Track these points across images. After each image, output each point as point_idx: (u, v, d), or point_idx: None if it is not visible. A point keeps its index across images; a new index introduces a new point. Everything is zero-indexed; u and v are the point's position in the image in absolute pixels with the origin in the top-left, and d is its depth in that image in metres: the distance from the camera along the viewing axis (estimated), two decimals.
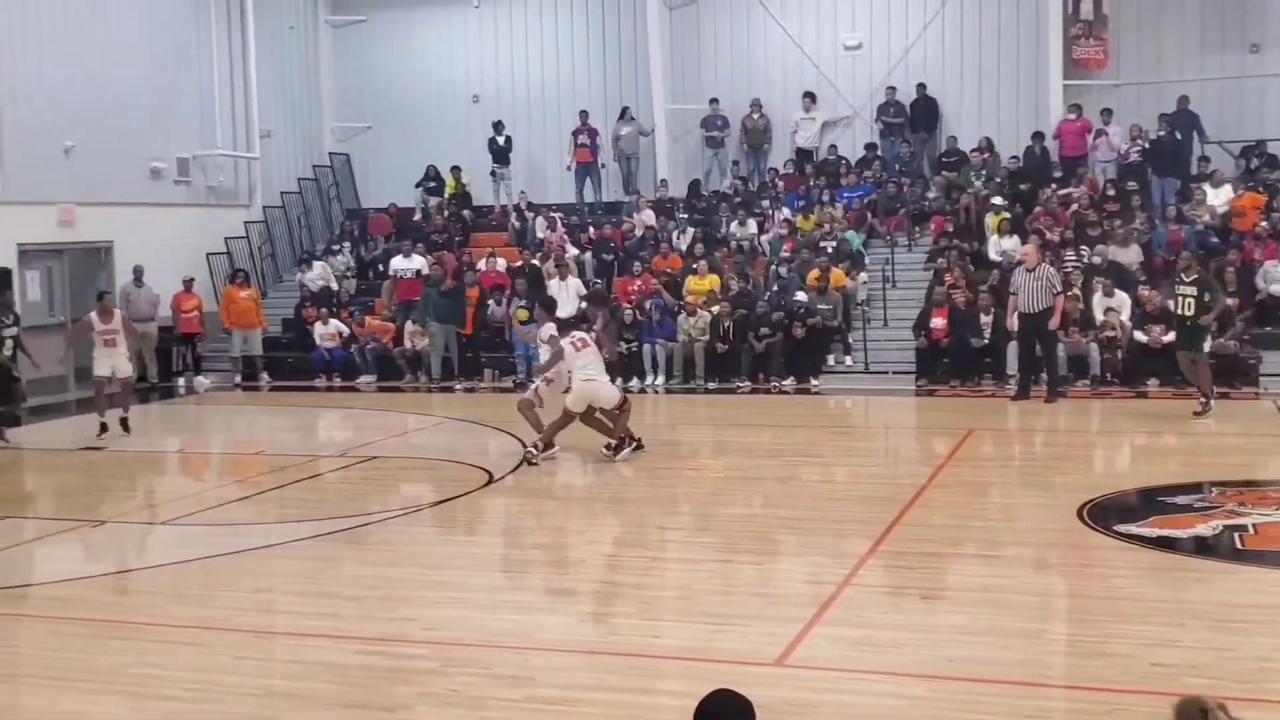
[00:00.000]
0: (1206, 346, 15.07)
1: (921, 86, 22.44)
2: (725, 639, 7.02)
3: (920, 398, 17.24)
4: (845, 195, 21.79)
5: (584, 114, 23.55)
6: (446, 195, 24.33)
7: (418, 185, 24.55)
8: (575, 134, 23.58)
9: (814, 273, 18.91)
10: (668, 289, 19.42)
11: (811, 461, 13.19)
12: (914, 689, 6.14)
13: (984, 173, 21.23)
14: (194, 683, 6.50)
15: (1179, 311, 14.89)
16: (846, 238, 20.40)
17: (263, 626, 7.62)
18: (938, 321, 17.68)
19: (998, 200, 20.58)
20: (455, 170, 24.35)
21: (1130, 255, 18.53)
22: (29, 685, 6.73)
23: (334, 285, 22.35)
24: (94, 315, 15.46)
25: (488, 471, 12.28)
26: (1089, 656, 6.67)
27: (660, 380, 18.60)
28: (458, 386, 19.22)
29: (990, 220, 20.28)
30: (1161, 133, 20.64)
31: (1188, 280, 14.81)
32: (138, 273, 20.11)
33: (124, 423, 15.21)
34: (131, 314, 20.13)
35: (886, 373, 18.29)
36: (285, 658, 6.96)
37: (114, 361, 15.19)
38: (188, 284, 20.78)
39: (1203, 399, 14.49)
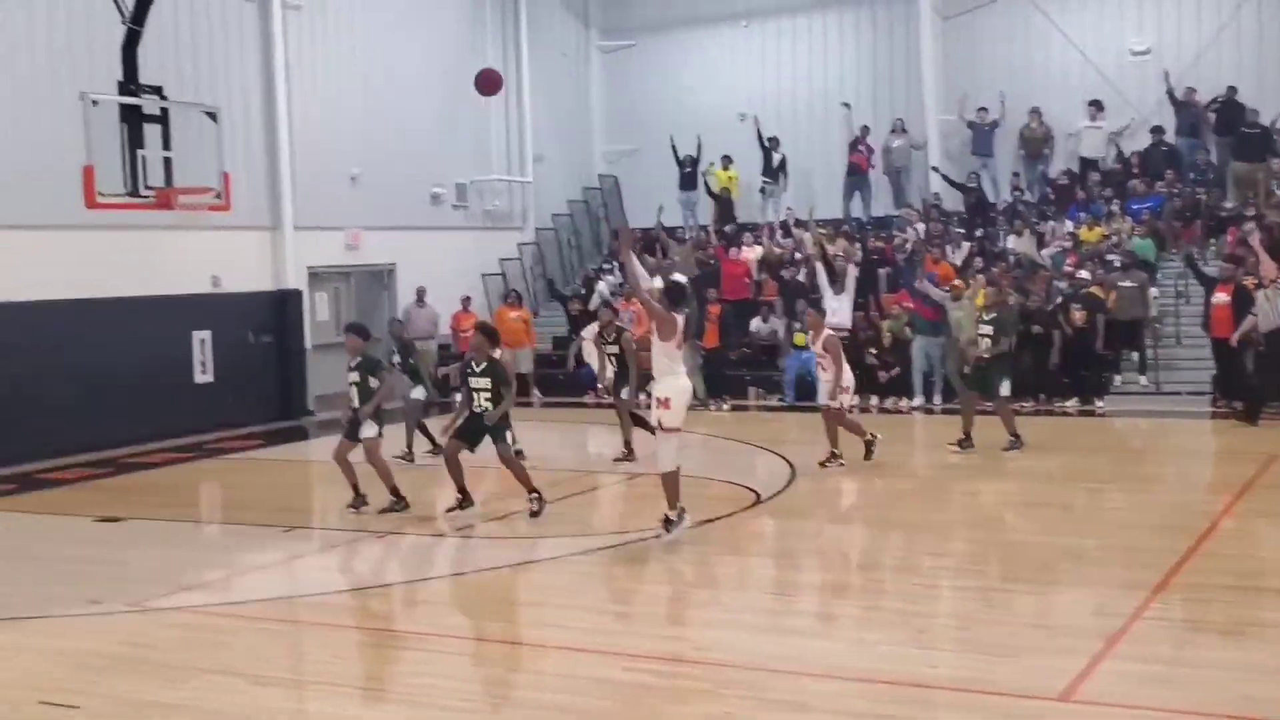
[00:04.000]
0: (1005, 388, 13.88)
1: (1233, 89, 21.10)
2: (1006, 671, 6.69)
3: (1216, 420, 16.23)
4: (1134, 205, 20.74)
5: (865, 129, 23.37)
6: (718, 189, 23.94)
7: (681, 174, 24.12)
8: (853, 144, 23.35)
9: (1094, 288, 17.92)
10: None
11: (1098, 487, 12.52)
12: None
13: None
14: (468, 693, 6.64)
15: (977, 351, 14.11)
16: (1134, 247, 19.33)
17: (535, 640, 7.72)
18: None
19: None
20: (726, 160, 23.95)
21: None
22: (313, 691, 7.00)
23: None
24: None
25: (755, 491, 12.18)
26: None
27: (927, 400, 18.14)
28: (711, 405, 19.05)
29: None
30: None
31: (986, 319, 14.01)
32: (420, 293, 20.96)
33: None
34: (412, 332, 21.10)
35: (1179, 393, 17.30)
36: (557, 671, 7.02)
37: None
38: (465, 303, 21.54)
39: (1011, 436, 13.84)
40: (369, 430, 11.48)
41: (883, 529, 10.95)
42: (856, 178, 23.36)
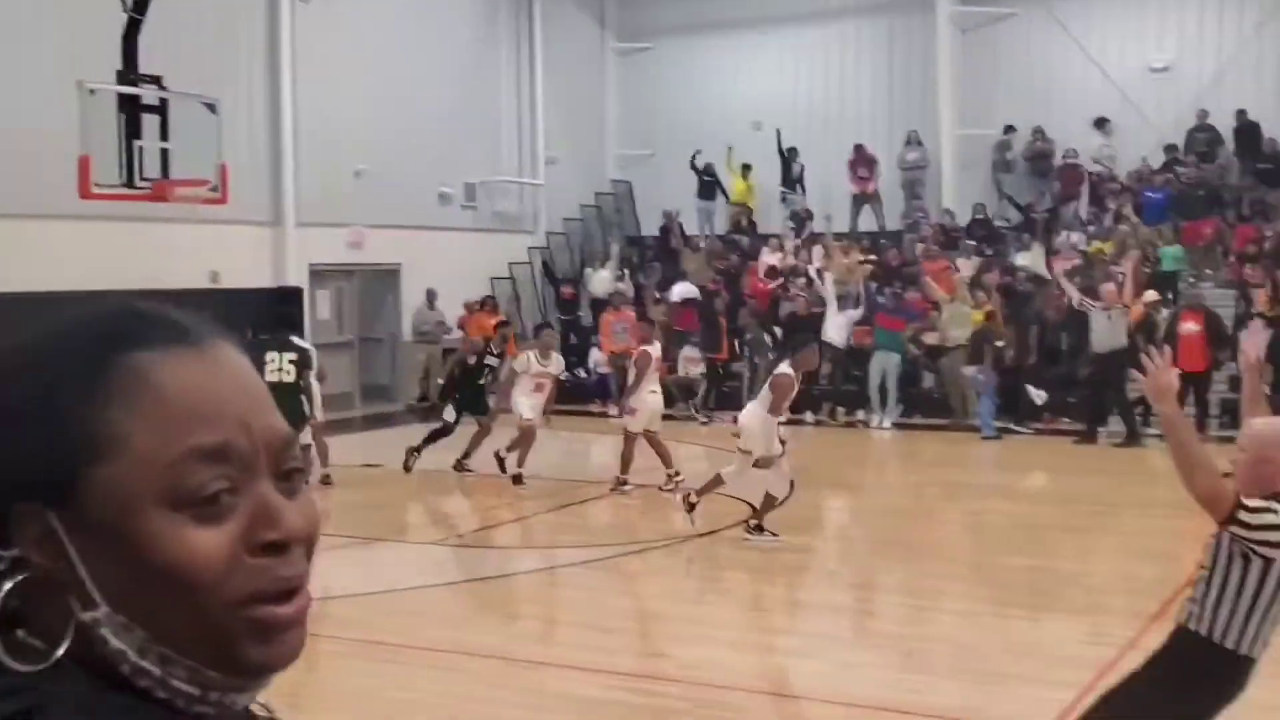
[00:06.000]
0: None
1: (1242, 113, 20.84)
2: (995, 700, 6.51)
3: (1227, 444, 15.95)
4: (1147, 194, 20.43)
5: (858, 147, 23.10)
6: (732, 199, 23.86)
7: (700, 181, 23.94)
8: (852, 165, 23.13)
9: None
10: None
11: (1100, 512, 12.25)
12: None
13: None
14: (448, 712, 6.44)
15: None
16: (1161, 256, 19.06)
17: (508, 654, 7.49)
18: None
19: None
20: (745, 169, 23.75)
21: None
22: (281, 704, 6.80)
23: (624, 286, 21.96)
24: (532, 354, 13.60)
25: (751, 505, 11.94)
26: None
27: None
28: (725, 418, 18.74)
29: None
30: None
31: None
32: (430, 296, 20.80)
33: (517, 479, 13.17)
34: (420, 336, 20.98)
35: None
36: (529, 688, 6.81)
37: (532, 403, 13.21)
38: (480, 306, 21.12)
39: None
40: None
41: (877, 548, 10.74)
42: (860, 197, 23.17)
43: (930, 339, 17.88)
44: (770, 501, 10.26)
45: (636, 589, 9.12)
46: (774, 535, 10.22)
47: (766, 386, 10.46)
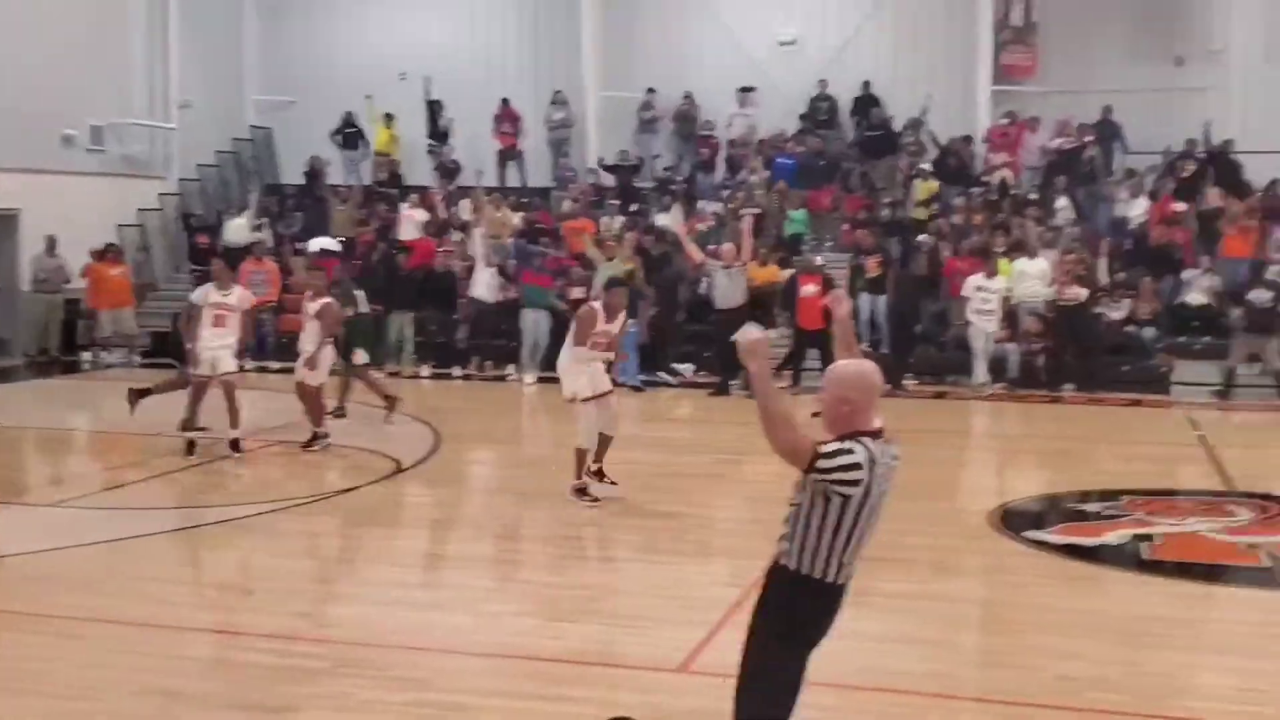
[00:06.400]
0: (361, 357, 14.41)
1: (866, 84, 22.37)
2: (630, 643, 6.86)
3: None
4: (779, 160, 21.68)
5: (505, 101, 23.26)
6: (374, 149, 23.55)
7: (334, 134, 23.65)
8: (497, 119, 23.27)
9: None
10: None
11: (731, 460, 12.84)
12: (824, 698, 5.95)
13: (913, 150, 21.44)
14: (76, 679, 6.19)
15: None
16: (790, 217, 20.29)
17: (151, 619, 7.26)
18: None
19: (926, 166, 20.79)
20: (388, 118, 23.42)
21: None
22: None
23: (263, 235, 21.26)
24: (210, 285, 12.40)
25: (395, 460, 11.99)
26: (997, 668, 6.64)
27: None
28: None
29: (919, 188, 20.36)
30: (1087, 139, 20.83)
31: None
32: (51, 243, 19.50)
33: (235, 444, 12.02)
34: (38, 285, 19.66)
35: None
36: (162, 653, 6.63)
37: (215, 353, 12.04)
38: (104, 253, 20.02)
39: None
40: None
41: (524, 499, 10.90)
42: (508, 150, 23.38)
43: (576, 294, 18.28)
44: (580, 456, 10.10)
45: (278, 548, 8.98)
46: (612, 483, 10.24)
47: (574, 320, 10.40)
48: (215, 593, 8.00)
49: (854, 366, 4.51)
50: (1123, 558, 8.75)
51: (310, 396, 12.46)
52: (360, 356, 14.33)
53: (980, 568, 8.79)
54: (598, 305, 10.27)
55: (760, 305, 16.77)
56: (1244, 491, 10.84)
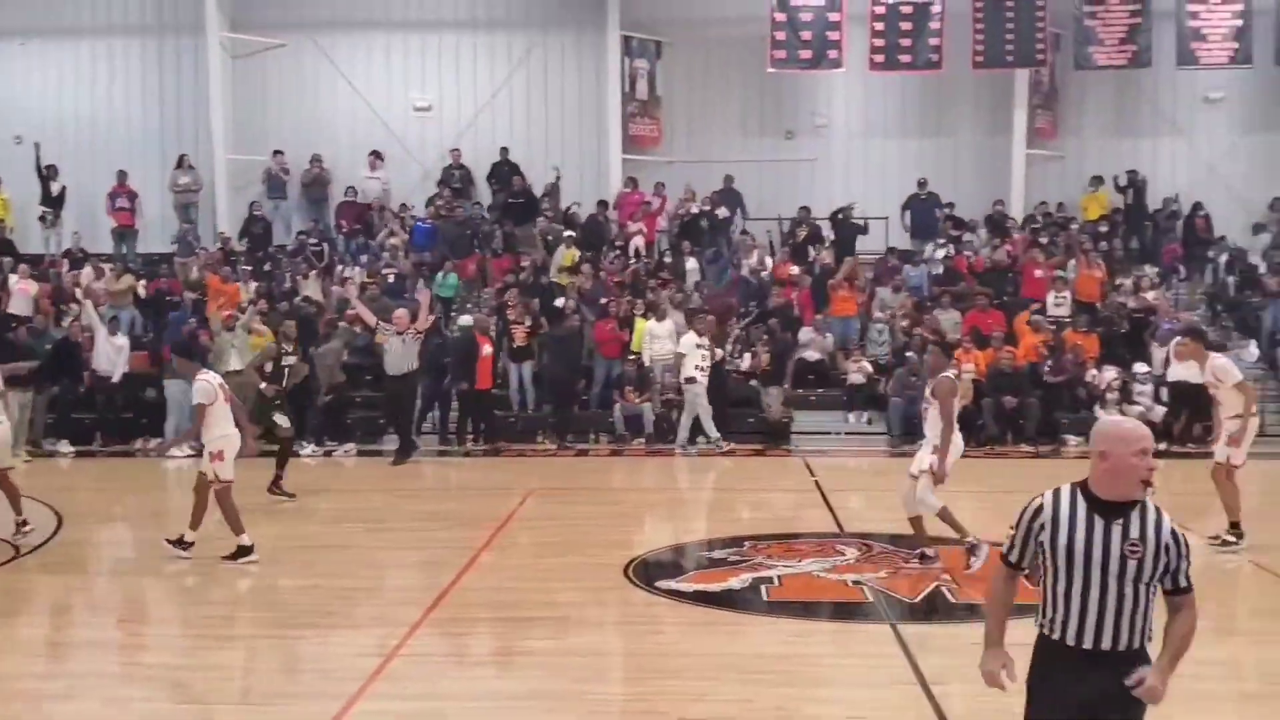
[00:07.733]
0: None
1: (504, 150, 22.91)
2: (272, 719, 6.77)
3: (506, 459, 17.61)
4: (419, 224, 22.16)
5: (122, 174, 22.48)
6: None
7: None
8: (112, 196, 22.42)
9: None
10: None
11: (374, 528, 12.78)
12: None
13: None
14: None
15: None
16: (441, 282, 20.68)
17: None
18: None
19: (569, 233, 21.68)
20: None
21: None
22: None
23: None
24: None
25: (14, 546, 11.25)
26: (632, 715, 6.92)
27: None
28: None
29: (563, 255, 21.08)
30: (706, 207, 22.22)
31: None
32: None
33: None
34: None
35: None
36: None
37: None
38: None
39: None
40: None
41: (151, 579, 10.43)
42: (125, 230, 22.62)
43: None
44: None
45: None
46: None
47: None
48: None
49: None
50: (746, 601, 9.32)
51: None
52: None
53: (615, 619, 9.14)
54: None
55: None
56: (852, 532, 11.78)
